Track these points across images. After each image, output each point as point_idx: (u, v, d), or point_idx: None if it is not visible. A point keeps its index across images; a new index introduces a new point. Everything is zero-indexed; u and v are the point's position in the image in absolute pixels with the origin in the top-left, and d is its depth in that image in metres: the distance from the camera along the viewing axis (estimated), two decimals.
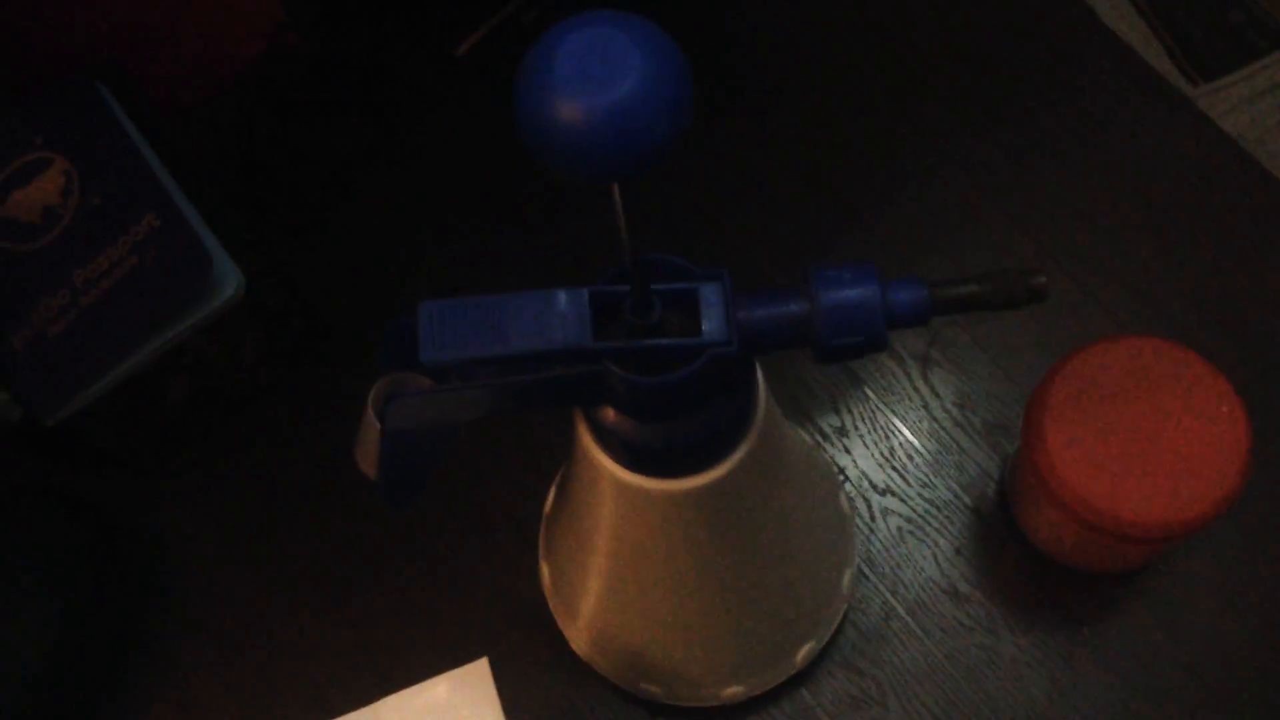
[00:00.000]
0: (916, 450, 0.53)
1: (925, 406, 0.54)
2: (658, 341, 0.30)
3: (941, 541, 0.51)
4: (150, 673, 0.51)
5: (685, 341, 0.30)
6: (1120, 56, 0.59)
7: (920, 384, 0.54)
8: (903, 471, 0.53)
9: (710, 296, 0.30)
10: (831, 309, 0.30)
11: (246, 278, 0.47)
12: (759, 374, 0.36)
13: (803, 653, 0.47)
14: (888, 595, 0.51)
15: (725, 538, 0.39)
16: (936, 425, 0.53)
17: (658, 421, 0.33)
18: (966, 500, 0.52)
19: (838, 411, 0.54)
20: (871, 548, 0.51)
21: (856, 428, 0.54)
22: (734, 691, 0.47)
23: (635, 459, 0.35)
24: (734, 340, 0.30)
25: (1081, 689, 0.48)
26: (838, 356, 0.31)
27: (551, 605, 0.49)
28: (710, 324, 0.30)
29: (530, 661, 0.50)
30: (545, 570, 0.49)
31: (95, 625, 0.49)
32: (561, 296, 0.30)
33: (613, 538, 0.40)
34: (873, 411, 0.54)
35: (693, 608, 0.42)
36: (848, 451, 0.53)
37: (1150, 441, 0.42)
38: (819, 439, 0.53)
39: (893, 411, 0.54)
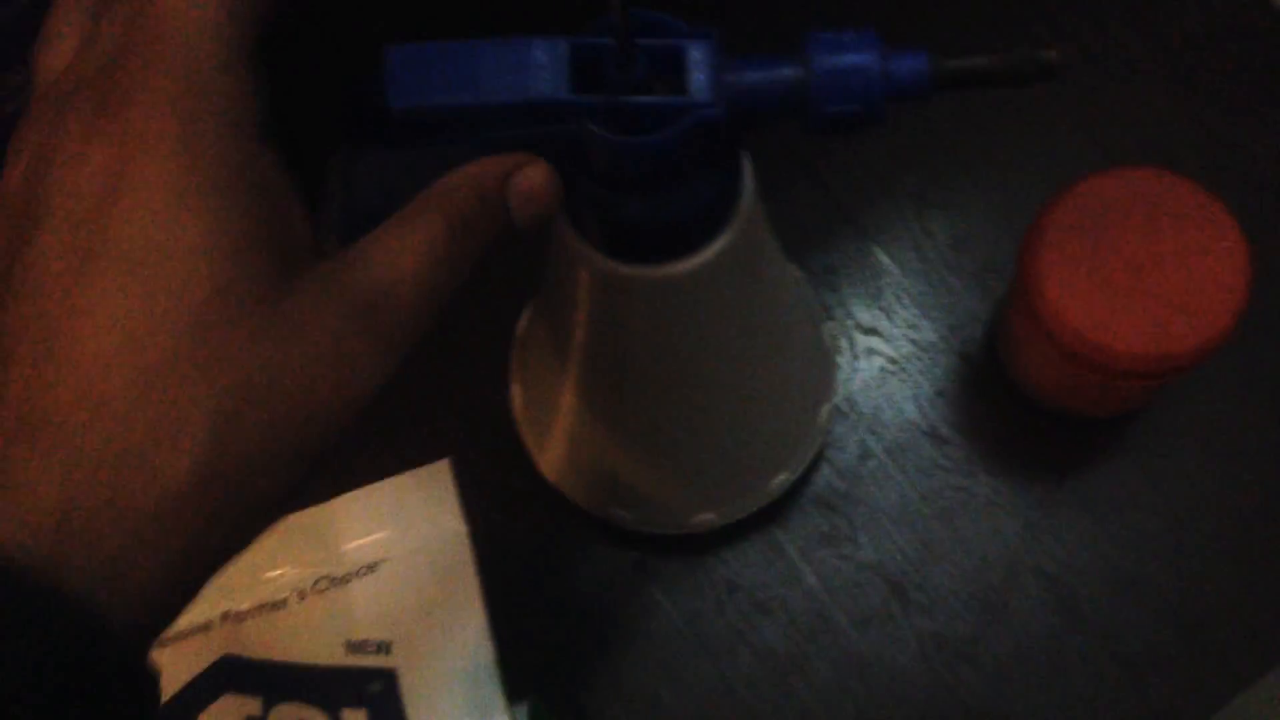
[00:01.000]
0: (905, 290, 0.51)
1: (917, 246, 0.52)
2: (638, 99, 0.28)
3: (924, 383, 0.50)
4: None
5: (668, 100, 0.28)
6: None
7: (914, 222, 0.52)
8: (889, 311, 0.51)
9: (698, 55, 0.28)
10: (827, 74, 0.28)
11: None
12: (746, 161, 0.34)
13: (776, 482, 0.46)
14: (866, 435, 0.50)
15: (701, 337, 0.37)
16: (928, 265, 0.52)
17: (636, 193, 0.31)
18: (953, 342, 0.50)
19: (827, 250, 0.52)
20: (852, 387, 0.50)
21: (846, 265, 0.52)
22: (705, 518, 0.46)
23: (612, 239, 0.33)
24: (720, 102, 0.28)
25: (1056, 533, 0.48)
26: (830, 128, 0.29)
27: (522, 428, 0.48)
28: (696, 84, 0.28)
29: (498, 484, 0.49)
30: (517, 393, 0.48)
31: None
32: (539, 45, 0.28)
33: (588, 338, 0.39)
34: (864, 249, 0.52)
35: (667, 419, 0.41)
36: (834, 290, 0.52)
37: (1147, 274, 0.41)
38: (807, 276, 0.52)
39: (884, 250, 0.52)
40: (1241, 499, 0.47)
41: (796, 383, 0.45)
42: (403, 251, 0.26)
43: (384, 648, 0.38)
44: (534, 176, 0.28)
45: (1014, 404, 0.49)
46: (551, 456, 0.47)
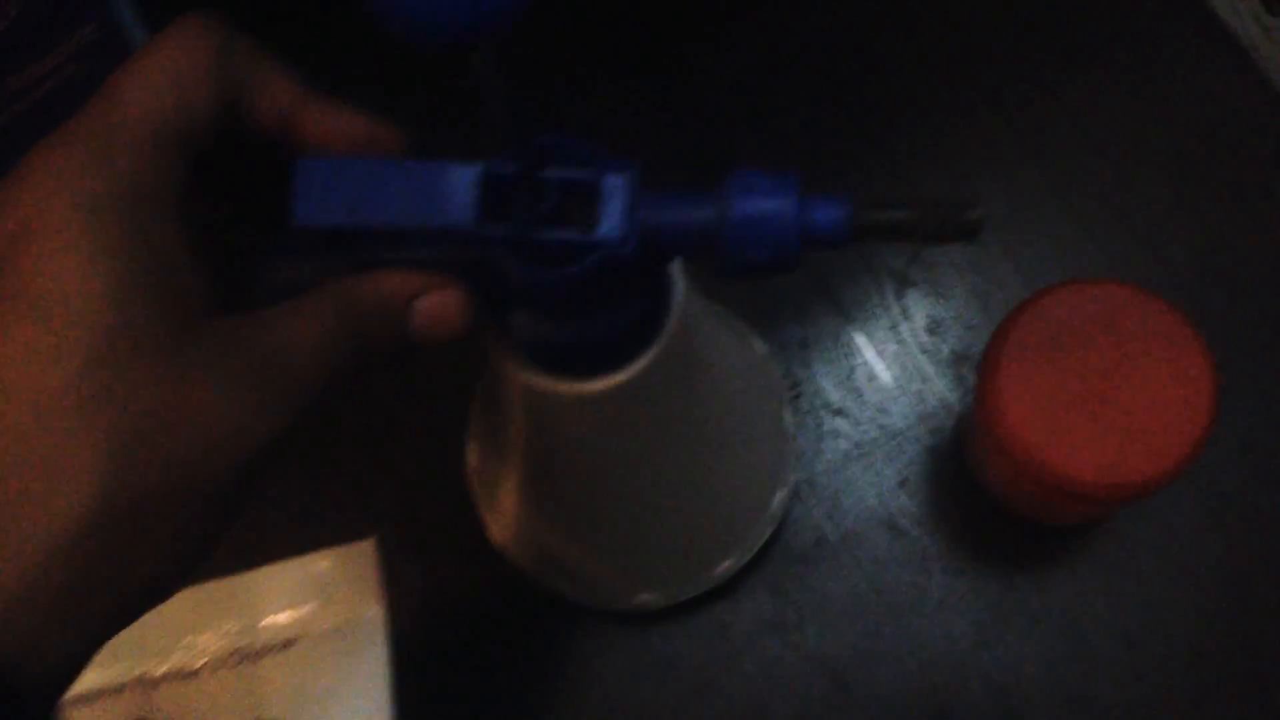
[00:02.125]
0: (877, 373, 0.50)
1: (894, 327, 0.51)
2: (545, 234, 0.27)
3: (887, 471, 0.49)
4: None
5: (576, 237, 0.27)
6: None
7: (893, 303, 0.51)
8: (860, 393, 0.50)
9: (613, 190, 0.27)
10: (742, 219, 0.27)
11: None
12: (678, 275, 0.33)
13: (721, 568, 0.46)
14: (822, 520, 0.48)
15: (635, 445, 0.37)
16: (903, 349, 0.50)
17: (551, 317, 0.30)
18: (920, 432, 0.49)
19: (802, 323, 0.51)
20: (814, 469, 0.49)
21: (820, 341, 0.51)
22: (646, 599, 0.46)
23: (535, 355, 0.32)
24: (630, 241, 0.27)
25: (1007, 641, 0.46)
26: (742, 273, 0.28)
27: (473, 487, 0.47)
28: (607, 221, 0.27)
29: (445, 542, 0.48)
30: (472, 450, 0.47)
31: None
32: (451, 170, 0.27)
33: (522, 434, 0.38)
34: (838, 326, 0.51)
35: (603, 511, 0.41)
36: (806, 365, 0.50)
37: (1109, 395, 0.39)
38: (778, 348, 0.51)
39: (859, 329, 0.51)
40: (1198, 623, 0.46)
41: (747, 472, 0.44)
42: (299, 325, 0.26)
43: None
44: (444, 301, 0.28)
45: (976, 502, 0.48)
46: (498, 521, 0.46)
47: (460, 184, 0.27)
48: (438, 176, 0.27)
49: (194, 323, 0.25)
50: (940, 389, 0.50)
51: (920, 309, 0.51)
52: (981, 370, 0.41)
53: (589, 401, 0.32)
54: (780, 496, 0.46)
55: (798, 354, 0.51)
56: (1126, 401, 0.39)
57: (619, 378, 0.32)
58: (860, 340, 0.51)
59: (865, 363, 0.50)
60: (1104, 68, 0.53)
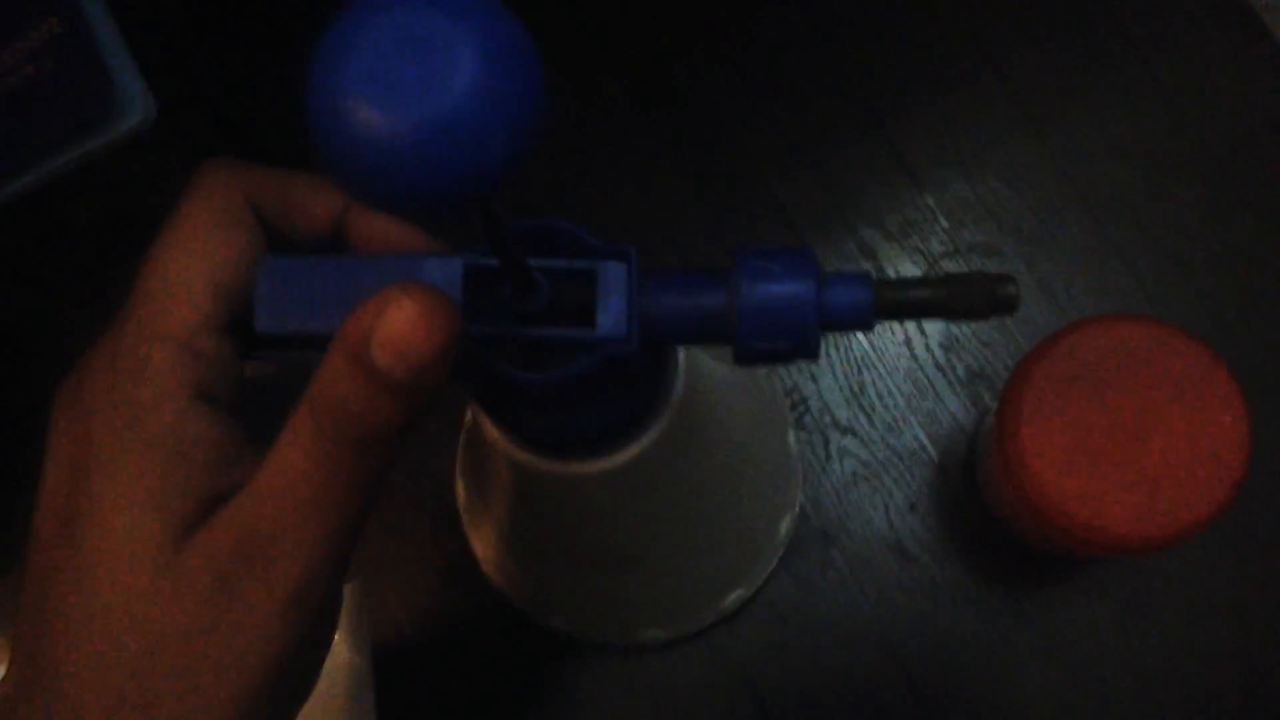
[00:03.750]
0: (889, 391, 0.48)
1: (908, 343, 0.48)
2: (540, 332, 0.24)
3: (897, 494, 0.47)
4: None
5: (574, 334, 0.25)
6: None
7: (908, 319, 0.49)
8: (870, 411, 0.48)
9: (611, 279, 0.24)
10: (755, 308, 0.24)
11: (166, 101, 0.42)
12: (677, 358, 0.30)
13: (730, 599, 0.44)
14: (828, 544, 0.47)
15: (634, 509, 0.34)
16: (916, 365, 0.48)
17: (543, 411, 0.27)
18: (932, 453, 0.47)
19: None
20: (820, 489, 0.47)
21: (829, 355, 0.49)
22: (650, 636, 0.44)
23: (526, 440, 0.30)
24: (633, 337, 0.25)
25: (1016, 674, 0.45)
26: (758, 360, 0.25)
27: (465, 523, 0.45)
28: (607, 314, 0.24)
29: (433, 570, 0.46)
30: (461, 487, 0.45)
31: None
32: (431, 265, 0.24)
33: (510, 496, 0.36)
34: (849, 341, 0.49)
35: (602, 562, 0.39)
36: (814, 380, 0.48)
37: (1138, 443, 0.37)
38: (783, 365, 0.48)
39: (871, 344, 0.49)
40: (1215, 664, 0.44)
41: (753, 507, 0.42)
42: (282, 488, 0.23)
43: None
44: (397, 321, 0.21)
45: (988, 530, 0.46)
46: (491, 556, 0.44)
47: (441, 280, 0.24)
48: (415, 272, 0.24)
49: (208, 515, 0.23)
50: (953, 409, 0.48)
51: (934, 325, 0.48)
52: (1002, 409, 0.39)
53: (583, 480, 0.30)
54: (786, 522, 0.45)
55: (805, 369, 0.48)
56: (1157, 449, 0.37)
57: (616, 460, 0.29)
58: (872, 354, 0.48)
59: (877, 379, 0.48)
60: (1135, 73, 0.50)
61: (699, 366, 0.33)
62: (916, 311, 0.25)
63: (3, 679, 0.24)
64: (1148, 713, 0.44)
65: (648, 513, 0.35)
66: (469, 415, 0.44)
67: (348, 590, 0.37)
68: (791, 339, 0.24)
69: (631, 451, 0.29)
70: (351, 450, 0.22)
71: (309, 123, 0.18)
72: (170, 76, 0.43)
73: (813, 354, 0.25)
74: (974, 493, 0.46)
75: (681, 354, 0.30)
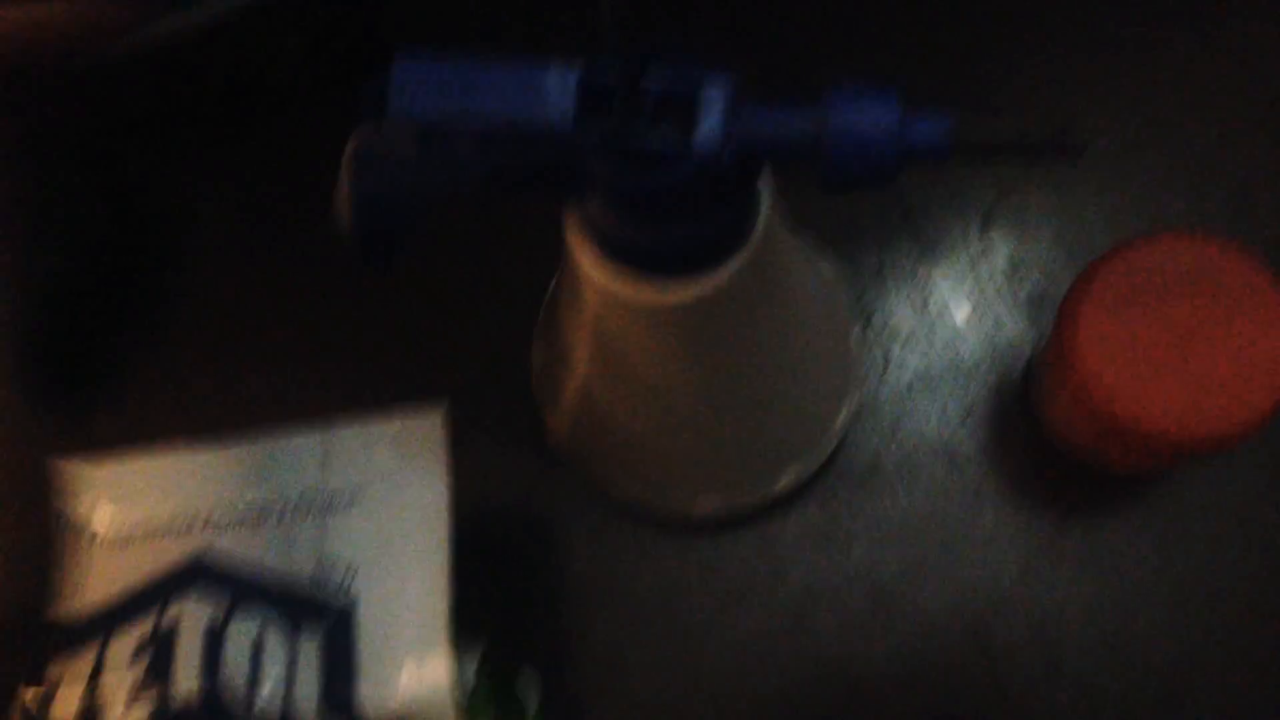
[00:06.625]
0: (951, 308, 0.50)
1: (973, 263, 0.50)
2: (642, 141, 0.27)
3: (951, 404, 0.49)
4: (141, 334, 0.52)
5: (673, 145, 0.27)
6: None
7: (975, 239, 0.51)
8: (931, 325, 0.50)
9: (710, 101, 0.27)
10: (841, 132, 0.27)
11: None
12: (765, 189, 0.33)
13: (783, 481, 0.46)
14: (881, 445, 0.49)
15: (708, 354, 0.37)
16: (978, 285, 0.50)
17: (640, 221, 0.30)
18: (988, 369, 0.49)
19: (880, 249, 0.51)
20: (879, 395, 0.49)
21: (896, 269, 0.51)
22: (706, 502, 0.46)
23: (615, 253, 0.32)
24: (727, 150, 0.27)
25: (1052, 581, 0.47)
26: (837, 186, 0.28)
27: (536, 386, 0.48)
28: (703, 132, 0.27)
29: (503, 434, 0.49)
30: (538, 349, 0.48)
31: (100, 273, 0.50)
32: (550, 72, 0.27)
33: (594, 336, 0.38)
34: (918, 256, 0.51)
35: (672, 416, 0.41)
36: (879, 293, 0.50)
37: (1189, 348, 0.39)
38: (854, 271, 0.51)
39: (937, 262, 0.51)
40: (1249, 580, 0.46)
41: (815, 389, 0.44)
42: None
43: (351, 573, 0.38)
44: None
45: (1037, 444, 0.48)
46: (560, 420, 0.47)
47: (559, 86, 0.27)
48: (536, 77, 0.27)
49: None
50: (1013, 330, 0.49)
51: (1002, 248, 0.50)
52: (1062, 309, 0.41)
53: (665, 310, 0.33)
54: (844, 414, 0.47)
55: (873, 280, 0.51)
56: (1207, 356, 0.39)
57: (696, 290, 0.32)
58: (937, 273, 0.50)
59: (940, 296, 0.50)
60: (1213, 22, 0.52)
61: (777, 244, 0.35)
62: (990, 148, 0.27)
63: None
64: (1177, 626, 0.45)
65: (719, 363, 0.37)
66: (555, 279, 0.47)
67: (438, 417, 0.40)
68: (870, 164, 0.27)
69: (714, 280, 0.31)
70: None
71: None
72: None
73: (888, 181, 0.27)
74: (1027, 410, 0.48)
75: (766, 195, 0.32)
